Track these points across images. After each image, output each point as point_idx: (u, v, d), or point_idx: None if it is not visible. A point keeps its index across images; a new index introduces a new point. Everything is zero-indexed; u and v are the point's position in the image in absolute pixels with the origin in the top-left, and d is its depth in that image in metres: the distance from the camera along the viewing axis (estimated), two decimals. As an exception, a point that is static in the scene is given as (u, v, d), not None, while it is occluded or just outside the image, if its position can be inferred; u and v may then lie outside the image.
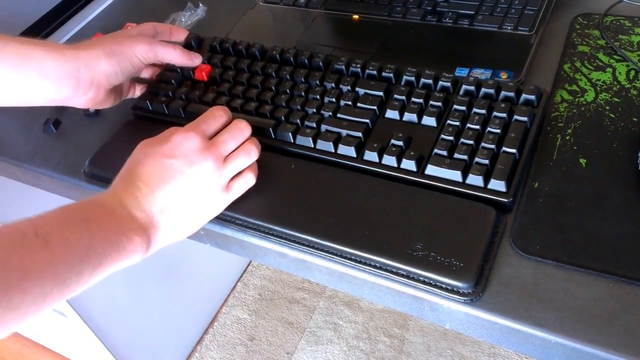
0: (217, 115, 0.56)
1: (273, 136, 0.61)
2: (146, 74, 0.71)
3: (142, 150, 0.53)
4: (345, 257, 0.51)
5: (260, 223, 0.55)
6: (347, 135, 0.58)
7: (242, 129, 0.56)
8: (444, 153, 0.54)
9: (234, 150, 0.55)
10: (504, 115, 0.55)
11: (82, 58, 0.59)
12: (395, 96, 0.60)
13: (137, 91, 0.70)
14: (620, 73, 0.61)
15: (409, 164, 0.55)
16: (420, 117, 0.58)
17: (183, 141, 0.52)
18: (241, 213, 0.56)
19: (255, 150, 0.56)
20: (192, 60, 0.67)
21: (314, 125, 0.60)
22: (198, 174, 0.52)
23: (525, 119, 0.54)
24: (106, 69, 0.60)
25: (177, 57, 0.65)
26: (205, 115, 0.56)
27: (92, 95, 0.61)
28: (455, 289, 0.47)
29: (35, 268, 0.42)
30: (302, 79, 0.64)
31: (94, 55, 0.59)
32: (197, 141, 0.52)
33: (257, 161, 0.57)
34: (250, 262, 1.60)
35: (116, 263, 0.48)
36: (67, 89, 0.59)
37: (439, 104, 0.58)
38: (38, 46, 0.58)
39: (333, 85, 0.63)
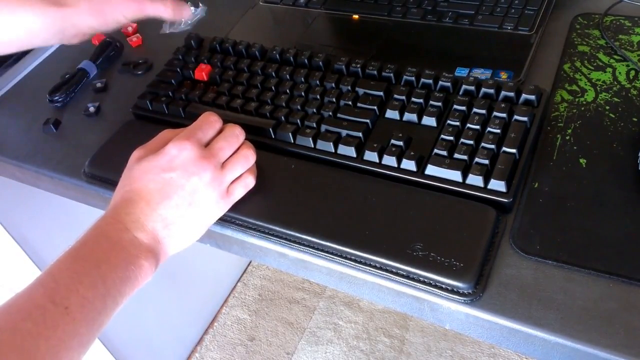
0: (212, 122, 0.55)
1: (273, 136, 0.61)
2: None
3: (138, 164, 0.52)
4: (345, 257, 0.51)
5: (261, 223, 0.55)
6: (347, 135, 0.58)
7: (237, 135, 0.55)
8: (444, 153, 0.54)
9: (230, 156, 0.55)
10: (504, 115, 0.55)
11: (67, 17, 0.62)
12: (395, 96, 0.60)
13: None
14: (620, 73, 0.61)
15: (409, 164, 0.55)
16: (420, 117, 0.58)
17: (179, 152, 0.52)
18: (241, 213, 0.56)
19: (252, 154, 0.56)
20: (181, 12, 0.67)
21: (314, 125, 0.60)
22: (198, 184, 0.52)
23: (525, 119, 0.54)
24: (91, 25, 0.64)
25: (168, 14, 0.66)
26: (200, 121, 0.55)
27: (76, 40, 0.66)
28: (455, 289, 0.47)
29: (63, 344, 0.42)
30: (302, 79, 0.64)
31: (80, 13, 0.63)
32: (194, 151, 0.52)
33: (256, 162, 0.57)
34: (250, 262, 1.60)
35: (130, 294, 0.48)
36: (53, 42, 0.66)
37: (439, 104, 0.58)
38: (27, 10, 0.62)
39: (333, 85, 0.63)
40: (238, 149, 0.55)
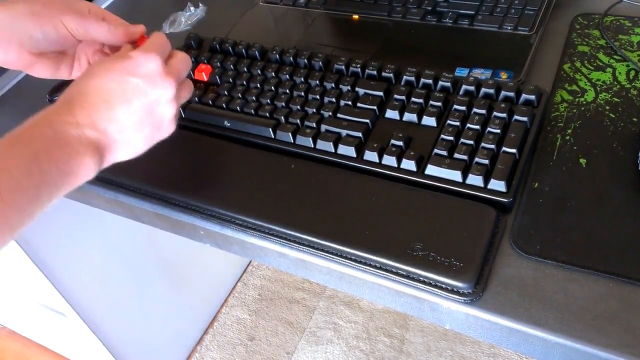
0: (167, 42, 0.54)
1: (273, 136, 0.61)
2: (86, 51, 0.62)
3: (100, 64, 0.51)
4: (345, 257, 0.51)
5: (261, 223, 0.55)
6: (347, 135, 0.58)
7: (189, 63, 0.55)
8: (444, 153, 0.54)
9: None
10: (504, 115, 0.55)
11: (3, 14, 0.55)
12: (395, 96, 0.60)
13: (75, 72, 0.61)
14: (620, 73, 0.61)
15: (409, 164, 0.55)
16: (420, 117, 0.58)
17: (147, 61, 0.50)
18: (241, 213, 0.56)
19: (192, 87, 0.56)
20: (129, 34, 0.58)
21: (314, 125, 0.60)
22: (161, 97, 0.51)
23: (525, 119, 0.54)
24: (27, 31, 0.55)
25: (110, 39, 0.58)
26: (158, 39, 0.54)
27: (13, 56, 0.56)
28: (455, 289, 0.47)
29: None
30: (302, 79, 0.64)
31: (13, 14, 0.55)
32: (160, 64, 0.51)
33: (258, 161, 0.57)
34: (250, 262, 1.60)
35: (68, 189, 0.47)
36: None
37: (439, 104, 0.58)
38: None
39: (333, 85, 0.63)
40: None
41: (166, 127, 0.53)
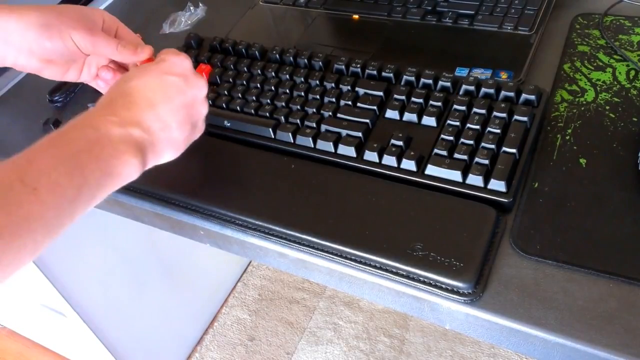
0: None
1: (273, 136, 0.61)
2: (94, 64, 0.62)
3: (136, 69, 0.52)
4: (346, 258, 0.51)
5: (260, 223, 0.55)
6: (347, 135, 0.58)
7: None
8: (444, 153, 0.54)
9: None
10: (504, 115, 0.55)
11: (11, 22, 0.55)
12: (395, 96, 0.60)
13: (87, 77, 0.61)
14: (620, 73, 0.61)
15: (409, 164, 0.55)
16: (420, 117, 0.58)
17: (180, 61, 0.52)
18: (241, 213, 0.56)
19: None
20: (137, 55, 0.58)
21: (314, 125, 0.60)
22: (197, 96, 0.52)
23: (525, 119, 0.54)
24: (36, 41, 0.55)
25: (120, 57, 0.58)
26: (173, 50, 0.55)
27: (23, 60, 0.57)
28: (455, 289, 0.47)
29: (26, 223, 0.40)
30: (302, 79, 0.64)
31: (24, 23, 0.55)
32: (191, 64, 0.53)
33: (258, 161, 0.58)
34: (250, 262, 1.60)
35: (110, 190, 0.46)
36: None
37: (439, 103, 0.58)
38: None
39: (333, 85, 0.63)
40: None
41: (200, 127, 0.54)
